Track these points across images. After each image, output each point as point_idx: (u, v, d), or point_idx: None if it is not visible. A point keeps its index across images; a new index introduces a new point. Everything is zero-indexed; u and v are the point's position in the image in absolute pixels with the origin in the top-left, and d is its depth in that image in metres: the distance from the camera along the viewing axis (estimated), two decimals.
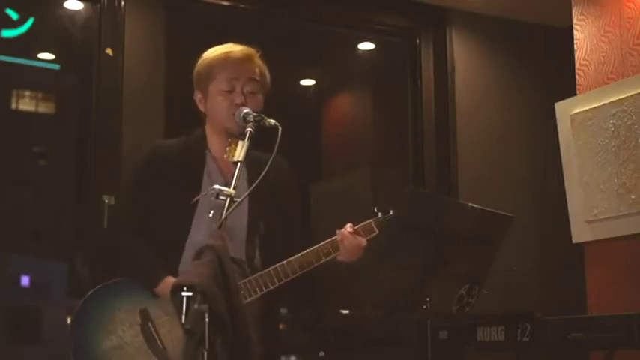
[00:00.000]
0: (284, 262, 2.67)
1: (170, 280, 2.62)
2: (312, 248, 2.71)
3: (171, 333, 2.61)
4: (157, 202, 2.73)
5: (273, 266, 2.67)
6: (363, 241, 2.74)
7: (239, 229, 2.73)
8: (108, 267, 2.86)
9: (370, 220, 2.78)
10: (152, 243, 2.72)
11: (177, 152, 2.82)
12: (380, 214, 2.81)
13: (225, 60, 2.79)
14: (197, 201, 2.70)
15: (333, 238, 2.74)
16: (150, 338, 2.60)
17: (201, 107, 2.86)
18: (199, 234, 2.69)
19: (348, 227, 2.75)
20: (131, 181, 2.97)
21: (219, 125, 2.79)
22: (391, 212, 2.80)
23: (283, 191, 2.84)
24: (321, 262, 2.70)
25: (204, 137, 2.86)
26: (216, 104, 2.78)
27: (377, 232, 2.77)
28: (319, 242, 2.76)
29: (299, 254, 2.69)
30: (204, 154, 2.82)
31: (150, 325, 2.62)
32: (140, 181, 2.83)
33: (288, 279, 2.67)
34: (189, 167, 2.78)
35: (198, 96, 2.85)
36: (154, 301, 2.66)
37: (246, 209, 2.73)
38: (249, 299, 2.62)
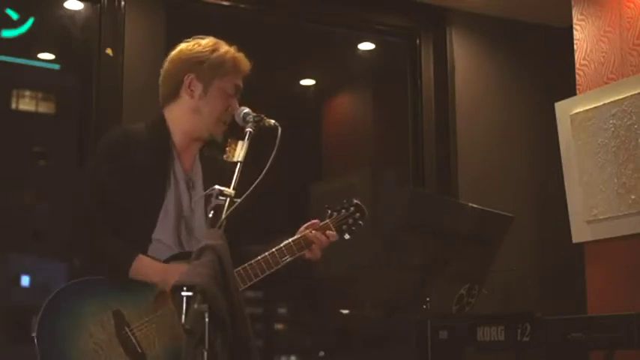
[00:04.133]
0: (259, 257, 2.66)
1: (143, 258, 2.56)
2: (284, 243, 2.72)
3: (148, 337, 2.54)
4: (123, 193, 2.62)
5: (249, 262, 2.65)
6: (333, 235, 2.78)
7: (200, 223, 2.70)
8: (81, 262, 2.78)
9: (327, 221, 2.83)
10: (116, 233, 2.61)
11: (142, 141, 2.71)
12: (334, 213, 2.85)
13: (237, 65, 2.76)
14: (164, 197, 2.65)
15: (301, 235, 2.76)
16: (127, 343, 2.51)
17: (188, 92, 2.73)
18: (164, 231, 2.65)
19: (314, 224, 2.78)
20: (96, 167, 2.75)
21: (202, 127, 2.73)
22: (343, 211, 2.85)
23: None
24: (296, 256, 2.71)
25: (165, 125, 2.76)
26: (214, 103, 2.73)
27: (334, 231, 2.81)
28: None
29: (275, 248, 2.69)
30: (169, 143, 2.73)
31: (126, 329, 2.53)
32: (106, 167, 2.67)
33: (265, 274, 2.66)
34: (156, 159, 2.69)
35: (190, 77, 2.73)
36: (126, 301, 2.56)
37: (203, 203, 2.69)
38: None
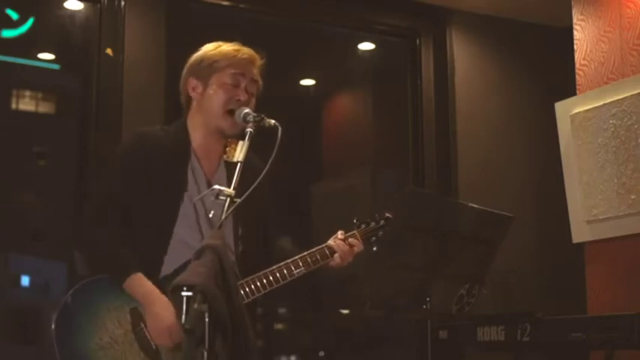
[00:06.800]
0: (273, 267, 2.69)
1: (139, 277, 2.59)
2: (299, 255, 2.75)
3: None
4: (140, 194, 2.68)
5: (258, 274, 2.68)
6: (358, 244, 2.84)
7: (227, 233, 2.70)
8: (85, 260, 2.83)
9: (354, 231, 2.88)
10: (134, 237, 2.67)
11: (161, 143, 2.76)
12: (363, 225, 2.91)
13: (234, 56, 2.79)
14: (182, 198, 2.69)
15: (321, 246, 2.81)
16: (142, 338, 2.57)
17: (194, 95, 2.81)
18: (184, 232, 2.67)
19: (339, 234, 2.85)
20: (113, 169, 2.80)
21: (211, 121, 2.77)
22: (372, 224, 2.90)
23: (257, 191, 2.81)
24: (310, 269, 2.75)
25: (186, 129, 2.82)
26: (215, 96, 2.76)
27: (359, 241, 2.87)
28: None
29: (288, 260, 2.72)
30: (189, 147, 2.78)
31: (142, 325, 2.58)
32: (123, 170, 2.73)
33: (279, 285, 2.69)
34: (174, 160, 2.74)
35: (192, 83, 2.81)
36: None
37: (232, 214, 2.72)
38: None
